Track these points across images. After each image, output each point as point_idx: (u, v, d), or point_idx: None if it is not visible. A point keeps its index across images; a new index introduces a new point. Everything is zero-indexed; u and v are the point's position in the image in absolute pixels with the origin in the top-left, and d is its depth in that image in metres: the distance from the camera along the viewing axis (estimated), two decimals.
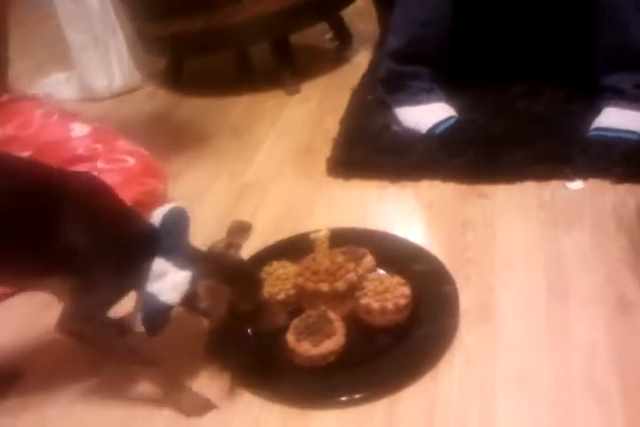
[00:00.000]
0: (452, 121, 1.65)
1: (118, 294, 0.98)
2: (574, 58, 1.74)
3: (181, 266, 0.95)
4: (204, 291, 0.96)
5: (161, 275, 0.95)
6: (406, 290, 1.13)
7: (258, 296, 1.03)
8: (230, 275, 0.98)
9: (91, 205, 0.95)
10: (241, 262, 1.06)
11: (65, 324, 0.93)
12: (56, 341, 1.16)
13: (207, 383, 1.06)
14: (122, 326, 1.07)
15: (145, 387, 1.03)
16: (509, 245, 1.29)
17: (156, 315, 0.95)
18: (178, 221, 1.01)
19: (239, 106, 1.99)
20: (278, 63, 2.05)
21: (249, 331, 1.11)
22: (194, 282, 0.96)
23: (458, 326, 1.10)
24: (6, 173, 0.91)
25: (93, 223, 0.94)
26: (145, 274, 0.95)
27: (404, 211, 1.47)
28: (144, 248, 0.96)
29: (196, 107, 2.02)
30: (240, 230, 1.06)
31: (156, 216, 1.01)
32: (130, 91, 2.13)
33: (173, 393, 1.01)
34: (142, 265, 0.95)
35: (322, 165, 1.62)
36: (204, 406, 1.01)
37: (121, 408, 1.04)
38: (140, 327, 0.95)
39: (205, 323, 1.03)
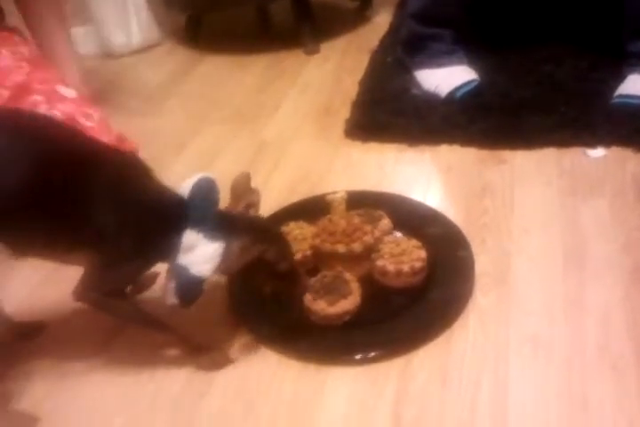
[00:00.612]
0: (473, 84, 1.63)
1: (143, 269, 0.99)
2: (599, 24, 1.71)
3: (212, 238, 0.94)
4: (237, 251, 0.95)
5: (191, 247, 0.94)
6: (422, 253, 1.13)
7: (291, 256, 1.04)
8: (264, 236, 0.99)
9: (123, 178, 0.94)
10: (269, 223, 1.06)
11: (83, 293, 0.94)
12: None
13: (225, 339, 1.08)
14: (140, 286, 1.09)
15: (164, 345, 1.05)
16: (527, 212, 1.28)
17: (189, 288, 0.95)
18: (207, 192, 0.99)
19: (258, 64, 1.97)
20: (298, 22, 2.03)
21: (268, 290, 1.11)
22: (227, 251, 0.95)
23: (473, 290, 1.11)
24: (47, 142, 0.89)
25: (124, 197, 0.93)
26: (176, 246, 0.94)
27: (422, 175, 1.46)
28: (174, 221, 0.95)
29: (215, 64, 2.00)
30: (244, 186, 1.05)
31: (185, 187, 0.99)
32: (148, 47, 2.11)
33: (191, 353, 1.03)
34: (172, 238, 0.94)
35: (340, 127, 1.61)
36: (221, 361, 1.04)
37: (140, 366, 1.06)
38: (172, 299, 0.95)
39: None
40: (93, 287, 0.93)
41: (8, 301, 1.10)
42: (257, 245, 0.96)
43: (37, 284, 1.23)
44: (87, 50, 2.09)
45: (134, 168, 0.97)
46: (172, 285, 0.95)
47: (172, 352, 1.05)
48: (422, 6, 1.64)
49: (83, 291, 0.94)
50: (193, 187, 0.98)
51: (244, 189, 1.05)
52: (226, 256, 0.95)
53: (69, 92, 0.97)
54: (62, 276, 1.21)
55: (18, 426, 0.98)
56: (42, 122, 0.91)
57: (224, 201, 1.02)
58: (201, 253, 0.93)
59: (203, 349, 1.04)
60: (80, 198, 0.89)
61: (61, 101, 0.93)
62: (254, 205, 1.06)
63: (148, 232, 0.93)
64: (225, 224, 0.96)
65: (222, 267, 0.96)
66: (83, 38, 2.10)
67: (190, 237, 0.93)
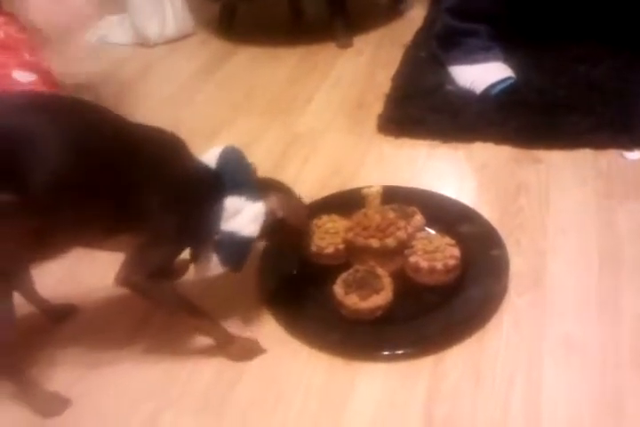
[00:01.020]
0: (509, 82, 1.61)
1: (186, 246, 1.00)
2: (637, 24, 1.68)
3: (254, 199, 0.97)
4: (279, 205, 0.99)
5: (237, 212, 0.97)
6: (456, 251, 1.12)
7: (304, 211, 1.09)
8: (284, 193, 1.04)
9: (163, 157, 0.96)
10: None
11: (127, 277, 0.94)
12: (111, 282, 1.20)
13: (256, 330, 1.08)
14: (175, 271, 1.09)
15: (195, 333, 1.06)
16: (562, 212, 1.27)
17: (239, 250, 0.98)
18: (236, 159, 1.02)
19: (291, 56, 1.96)
20: (332, 14, 2.01)
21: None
22: (268, 211, 0.98)
23: (507, 290, 1.10)
24: (90, 125, 0.90)
25: (166, 176, 0.94)
26: (218, 217, 0.96)
27: (455, 172, 1.45)
28: (212, 193, 0.98)
29: (247, 56, 1.99)
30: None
31: (209, 157, 1.02)
32: (182, 37, 2.11)
33: (223, 343, 1.03)
34: (213, 210, 0.97)
35: (373, 122, 1.60)
36: (253, 351, 1.04)
37: (171, 354, 1.07)
38: (218, 268, 0.99)
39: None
40: (137, 270, 0.94)
41: (42, 283, 1.10)
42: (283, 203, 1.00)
43: (71, 266, 1.24)
44: (121, 38, 2.10)
45: (172, 145, 0.98)
46: (219, 254, 0.98)
47: (204, 341, 1.06)
48: (458, 1, 1.62)
49: (126, 275, 0.94)
50: (221, 156, 1.00)
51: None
52: (268, 217, 0.98)
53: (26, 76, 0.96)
54: (96, 259, 1.24)
55: (49, 408, 0.99)
56: (83, 105, 0.93)
57: None
58: (247, 215, 0.97)
59: (234, 338, 1.04)
60: (124, 179, 0.91)
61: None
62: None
63: (190, 208, 0.95)
64: (256, 186, 1.01)
65: (266, 228, 0.99)
66: (118, 27, 2.12)
67: (233, 202, 0.97)
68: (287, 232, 1.04)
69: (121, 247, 0.95)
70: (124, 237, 0.94)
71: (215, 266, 0.99)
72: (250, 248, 0.99)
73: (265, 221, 0.98)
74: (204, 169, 1.00)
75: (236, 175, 1.00)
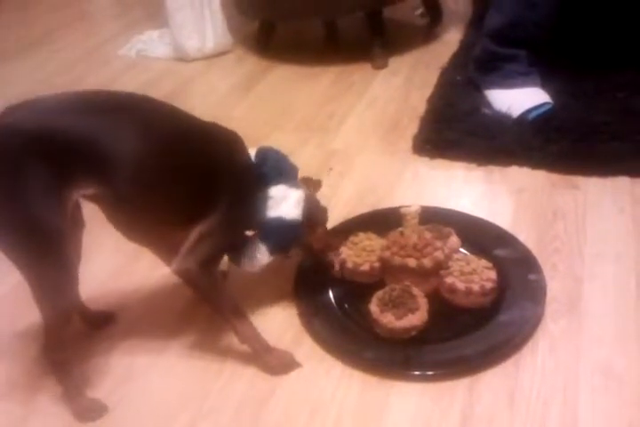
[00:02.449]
0: (547, 107, 1.61)
1: (239, 238, 1.05)
2: None
3: (297, 186, 1.07)
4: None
5: (283, 198, 1.04)
6: (493, 274, 1.12)
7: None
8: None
9: (228, 150, 1.02)
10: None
11: (182, 264, 0.97)
12: (149, 291, 1.21)
13: (292, 346, 1.08)
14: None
15: (233, 342, 1.06)
16: (600, 239, 1.26)
17: (287, 234, 1.05)
18: (272, 154, 1.08)
19: (326, 76, 1.98)
20: (369, 35, 2.03)
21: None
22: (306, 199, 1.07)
23: (543, 315, 1.09)
24: (165, 123, 0.96)
25: (232, 167, 1.00)
26: (264, 207, 1.03)
27: (491, 195, 1.45)
28: (258, 186, 1.04)
29: (283, 74, 2.02)
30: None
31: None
32: (220, 53, 2.14)
33: (260, 352, 1.03)
34: (259, 202, 1.04)
35: (407, 143, 1.61)
36: (289, 365, 1.04)
37: (207, 363, 1.07)
38: (266, 257, 1.05)
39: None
40: (194, 258, 0.96)
41: (82, 287, 1.11)
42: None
43: (111, 273, 1.26)
44: (161, 52, 2.14)
45: (232, 139, 1.04)
46: (268, 240, 1.04)
47: (238, 353, 1.06)
48: (500, 26, 1.63)
49: (183, 263, 0.96)
50: (257, 153, 1.07)
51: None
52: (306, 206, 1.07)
53: None
54: (135, 267, 1.26)
55: (88, 414, 0.99)
56: (149, 101, 0.97)
57: None
58: (290, 201, 1.05)
59: (271, 348, 1.04)
60: (197, 171, 0.96)
61: None
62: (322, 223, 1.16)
63: (246, 199, 1.02)
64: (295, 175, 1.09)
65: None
66: (158, 41, 2.16)
67: (278, 190, 1.05)
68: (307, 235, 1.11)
69: (184, 239, 0.98)
70: (194, 227, 0.97)
71: (262, 257, 1.05)
72: (296, 231, 1.06)
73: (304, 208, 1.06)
74: (252, 163, 1.06)
75: (275, 167, 1.06)
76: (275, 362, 1.03)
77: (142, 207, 0.93)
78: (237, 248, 1.06)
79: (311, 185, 1.15)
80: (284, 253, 1.08)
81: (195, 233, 0.97)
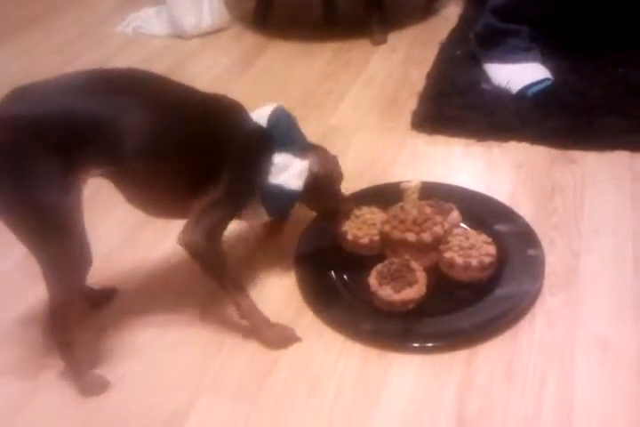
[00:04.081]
0: (547, 83, 1.60)
1: (244, 206, 1.05)
2: None
3: (300, 156, 1.06)
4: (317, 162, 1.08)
5: (285, 167, 1.05)
6: (492, 249, 1.12)
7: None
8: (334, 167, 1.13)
9: (231, 119, 1.02)
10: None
11: (187, 236, 0.97)
12: (149, 267, 1.22)
13: (293, 319, 1.09)
14: None
15: (234, 317, 1.07)
16: (598, 214, 1.26)
17: (284, 202, 1.07)
18: (285, 118, 1.09)
19: (325, 52, 1.96)
20: (367, 10, 2.01)
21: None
22: (311, 170, 1.07)
23: (541, 290, 1.10)
24: (168, 96, 0.96)
25: (236, 136, 1.01)
26: (267, 172, 1.04)
27: (489, 170, 1.44)
28: (265, 150, 1.04)
29: (282, 50, 2.00)
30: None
31: (262, 115, 1.07)
32: (217, 30, 2.12)
33: (260, 327, 1.05)
34: (265, 166, 1.04)
35: (406, 118, 1.60)
36: (289, 338, 1.05)
37: (208, 338, 1.08)
38: (264, 217, 1.08)
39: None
40: (199, 230, 0.97)
41: None
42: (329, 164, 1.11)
43: (110, 250, 1.27)
44: (158, 30, 2.12)
45: (234, 108, 1.05)
46: (266, 205, 1.06)
47: (240, 326, 1.07)
48: (504, 2, 1.62)
49: (188, 234, 0.97)
50: (271, 115, 1.06)
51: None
52: (310, 176, 1.07)
53: None
54: (135, 242, 1.28)
55: (91, 389, 1.01)
56: (151, 76, 0.97)
57: None
58: (293, 171, 1.05)
59: (271, 323, 1.05)
60: (202, 142, 0.97)
61: None
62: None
63: (251, 166, 1.03)
64: (304, 145, 1.09)
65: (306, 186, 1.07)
66: (154, 18, 2.13)
67: (281, 158, 1.05)
68: (322, 194, 1.13)
69: (193, 210, 0.99)
70: (203, 198, 0.98)
71: (260, 218, 1.08)
72: (294, 201, 1.08)
73: (307, 178, 1.07)
74: (258, 128, 1.06)
75: (285, 133, 1.07)
76: (275, 337, 1.04)
77: (152, 182, 0.95)
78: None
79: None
80: (281, 218, 1.12)
81: (200, 204, 0.98)
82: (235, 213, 1.04)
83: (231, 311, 1.07)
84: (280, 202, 1.07)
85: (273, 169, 1.05)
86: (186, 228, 0.98)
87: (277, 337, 1.04)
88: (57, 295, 0.93)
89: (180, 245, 0.98)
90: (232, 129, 1.01)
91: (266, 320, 1.05)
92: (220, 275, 1.02)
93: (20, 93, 0.86)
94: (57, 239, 0.88)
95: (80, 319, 1.01)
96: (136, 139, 0.90)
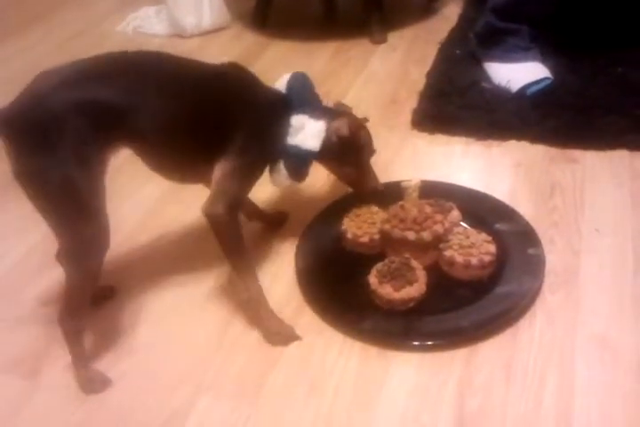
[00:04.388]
0: (546, 82, 1.60)
1: (262, 173, 1.09)
2: None
3: (317, 117, 1.09)
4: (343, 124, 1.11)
5: (301, 127, 1.08)
6: (492, 247, 1.13)
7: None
8: (354, 119, 1.15)
9: (243, 88, 1.06)
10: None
11: (210, 206, 1.00)
12: (148, 265, 1.23)
13: (293, 317, 1.09)
14: None
15: (234, 315, 1.07)
16: (598, 212, 1.27)
17: (301, 162, 1.10)
18: (302, 82, 1.13)
19: (325, 51, 1.97)
20: (367, 10, 2.02)
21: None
22: (328, 129, 1.10)
23: (541, 288, 1.10)
24: (180, 73, 1.02)
25: (249, 106, 1.04)
26: (284, 133, 1.08)
27: (489, 169, 1.45)
28: (282, 114, 1.08)
29: (281, 50, 2.00)
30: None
31: (281, 83, 1.13)
32: (217, 30, 2.12)
33: (263, 316, 1.05)
34: (282, 129, 1.07)
35: (406, 117, 1.61)
36: (288, 337, 1.05)
37: (208, 335, 1.08)
38: (284, 180, 1.11)
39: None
40: (220, 200, 1.00)
41: None
42: (351, 126, 1.12)
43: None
44: (158, 29, 2.12)
45: (244, 76, 1.09)
46: (285, 166, 1.09)
47: (240, 324, 1.08)
48: (504, 2, 1.62)
49: (211, 205, 1.00)
50: (289, 80, 1.12)
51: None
52: (328, 133, 1.10)
53: None
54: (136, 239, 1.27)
55: (92, 386, 1.01)
56: (160, 55, 1.03)
57: None
58: (309, 131, 1.08)
59: (273, 315, 1.06)
60: (215, 113, 1.01)
61: None
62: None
63: (266, 135, 1.06)
64: (322, 108, 1.13)
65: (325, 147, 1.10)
66: (154, 17, 2.13)
67: (298, 119, 1.08)
68: (347, 159, 1.16)
69: (211, 177, 1.03)
70: (218, 165, 1.02)
71: (283, 180, 1.11)
72: (311, 161, 1.11)
73: (326, 138, 1.10)
74: (273, 92, 1.11)
75: (301, 96, 1.11)
76: (275, 329, 1.05)
77: (172, 152, 1.01)
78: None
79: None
80: (298, 180, 1.13)
81: (217, 172, 1.02)
82: (253, 178, 1.06)
83: (231, 311, 1.07)
84: (298, 162, 1.09)
85: (291, 130, 1.08)
86: (208, 199, 1.01)
87: (278, 332, 1.05)
88: (75, 276, 0.95)
89: (204, 214, 1.00)
90: (244, 97, 1.05)
91: (270, 311, 1.06)
92: (235, 251, 1.03)
93: (49, 76, 0.92)
94: (82, 216, 0.92)
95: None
96: (157, 115, 0.96)
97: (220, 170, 1.02)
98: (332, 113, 1.14)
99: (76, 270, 0.95)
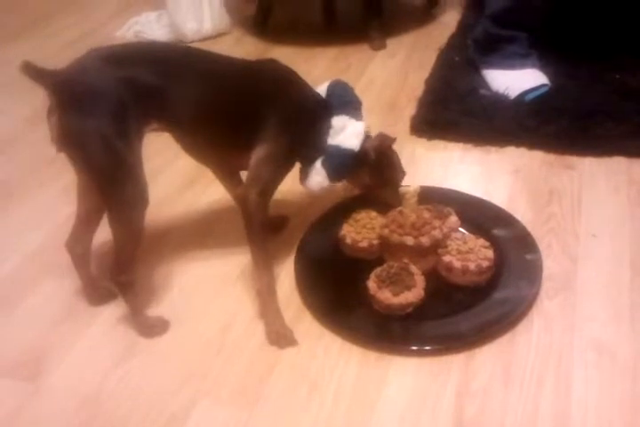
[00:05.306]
0: (544, 89, 1.62)
1: (293, 166, 1.13)
2: None
3: (357, 118, 1.14)
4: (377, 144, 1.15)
5: (342, 128, 1.12)
6: (490, 253, 1.13)
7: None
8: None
9: (282, 85, 1.11)
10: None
11: (245, 191, 1.05)
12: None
13: (292, 322, 1.09)
14: None
15: (233, 319, 1.09)
16: (595, 219, 1.28)
17: (342, 161, 1.12)
18: (343, 86, 1.17)
19: (324, 57, 1.98)
20: (367, 16, 2.03)
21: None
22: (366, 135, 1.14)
23: (538, 293, 1.11)
24: (218, 66, 1.09)
25: (286, 101, 1.08)
26: (324, 135, 1.12)
27: (487, 175, 1.46)
28: (321, 115, 1.12)
29: (281, 55, 1.98)
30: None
31: (321, 89, 1.17)
32: (218, 35, 2.13)
33: (269, 309, 1.08)
34: (319, 131, 1.12)
35: (405, 123, 1.62)
36: (287, 339, 1.06)
37: (208, 339, 1.09)
38: (323, 180, 1.12)
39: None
40: (255, 184, 1.06)
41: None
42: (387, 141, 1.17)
43: None
44: (159, 34, 2.12)
45: (286, 74, 1.13)
46: (327, 165, 1.11)
47: (240, 329, 1.09)
48: (502, 9, 1.63)
49: (246, 190, 1.06)
50: (329, 85, 1.16)
51: None
52: (365, 141, 1.13)
53: None
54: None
55: (155, 330, 1.09)
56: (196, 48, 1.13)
57: None
58: (350, 131, 1.12)
59: (279, 311, 1.08)
60: (250, 105, 1.06)
61: None
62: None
63: (301, 128, 1.10)
64: (361, 110, 1.17)
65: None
66: (155, 22, 2.14)
67: (339, 120, 1.12)
68: (375, 175, 1.19)
69: (249, 162, 1.08)
70: (255, 151, 1.07)
71: (322, 180, 1.13)
72: (352, 160, 1.13)
73: (362, 151, 1.13)
74: (315, 94, 1.15)
75: (341, 98, 1.15)
76: (276, 328, 1.07)
77: (204, 137, 1.08)
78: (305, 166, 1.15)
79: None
80: (338, 180, 1.15)
81: (253, 160, 1.07)
82: (285, 168, 1.11)
83: (232, 309, 1.08)
84: (339, 162, 1.11)
85: (332, 131, 1.12)
86: (244, 185, 1.08)
87: (277, 331, 1.06)
88: (121, 234, 1.01)
89: (238, 199, 1.07)
90: (275, 91, 1.08)
91: (276, 308, 1.08)
92: (258, 238, 1.07)
93: (100, 52, 1.01)
94: (120, 174, 0.97)
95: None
96: (193, 103, 1.03)
97: (256, 156, 1.07)
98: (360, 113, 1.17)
99: (122, 228, 1.01)
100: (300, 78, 1.15)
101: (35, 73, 0.95)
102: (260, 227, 1.06)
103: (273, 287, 1.09)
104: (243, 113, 1.06)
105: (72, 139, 0.96)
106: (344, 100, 1.14)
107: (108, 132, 0.95)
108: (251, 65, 1.13)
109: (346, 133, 1.11)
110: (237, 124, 1.06)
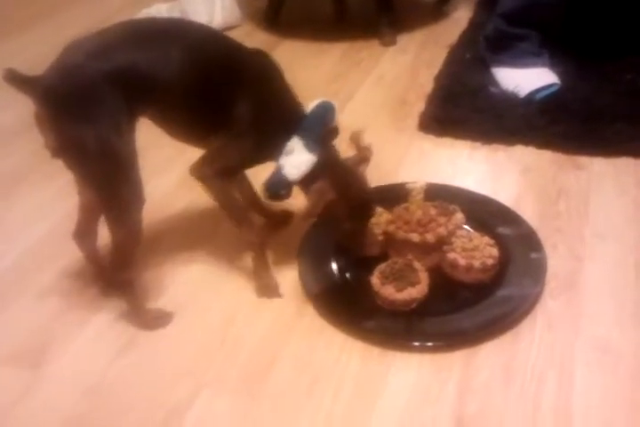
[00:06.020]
0: (554, 88, 1.61)
1: (255, 161, 1.11)
2: None
3: (310, 149, 1.06)
4: (315, 186, 1.06)
5: (290, 151, 1.06)
6: (494, 251, 1.13)
7: (363, 221, 1.15)
8: (346, 190, 1.09)
9: (262, 79, 1.07)
10: (363, 185, 1.16)
11: (198, 167, 1.07)
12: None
13: (295, 316, 1.10)
14: None
15: (236, 312, 1.10)
16: (602, 219, 1.27)
17: (277, 184, 1.07)
18: (324, 111, 1.11)
19: (335, 52, 1.98)
20: (377, 12, 2.03)
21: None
22: (315, 169, 1.07)
23: (542, 293, 1.11)
24: (205, 46, 1.04)
25: (261, 95, 1.05)
26: (281, 146, 1.07)
27: (495, 173, 1.46)
28: (290, 126, 1.08)
29: (292, 49, 2.01)
30: (357, 141, 1.19)
31: (311, 106, 1.13)
32: (229, 28, 2.13)
33: (258, 268, 1.14)
34: (284, 140, 1.07)
35: (414, 120, 1.62)
36: (272, 292, 1.14)
37: (211, 332, 1.09)
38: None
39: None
40: (209, 164, 1.06)
41: None
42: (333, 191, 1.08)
43: None
44: None
45: (269, 67, 1.09)
46: (268, 178, 1.08)
47: (241, 322, 1.09)
48: (514, 7, 1.63)
49: (199, 166, 1.06)
50: (317, 104, 1.11)
51: (357, 144, 1.18)
52: (312, 173, 1.06)
53: None
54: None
55: (158, 322, 1.09)
56: (192, 24, 1.10)
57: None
58: (293, 159, 1.06)
59: (269, 269, 1.15)
60: (227, 92, 1.03)
61: None
62: (366, 160, 1.19)
63: (269, 128, 1.07)
64: (325, 146, 1.10)
65: (305, 180, 1.07)
66: (166, 14, 2.14)
67: (293, 142, 1.06)
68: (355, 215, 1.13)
69: (208, 145, 1.08)
70: (216, 137, 1.06)
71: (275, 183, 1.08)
72: (287, 188, 1.07)
73: (308, 174, 1.06)
74: (294, 103, 1.11)
75: (311, 122, 1.09)
76: (265, 281, 1.13)
77: (183, 119, 1.05)
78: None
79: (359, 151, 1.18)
80: (269, 197, 1.09)
81: (215, 141, 1.06)
82: (248, 160, 1.10)
83: (235, 301, 1.09)
84: (274, 181, 1.07)
85: (284, 150, 1.07)
86: (199, 161, 1.07)
87: (265, 284, 1.13)
88: (119, 233, 1.00)
89: (192, 174, 1.07)
90: (251, 82, 1.05)
91: (264, 262, 1.15)
92: (227, 207, 1.10)
93: (80, 45, 0.98)
94: (120, 176, 0.96)
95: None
96: (175, 84, 0.99)
97: (215, 141, 1.06)
98: (331, 158, 1.11)
99: (120, 227, 1.00)
100: (282, 75, 1.11)
101: (19, 81, 0.90)
102: (225, 195, 1.09)
103: (260, 245, 1.13)
104: (218, 92, 1.03)
105: (69, 147, 0.93)
106: (313, 125, 1.08)
107: (105, 135, 0.93)
108: (241, 48, 1.09)
109: (290, 159, 1.06)
110: (212, 105, 1.03)
